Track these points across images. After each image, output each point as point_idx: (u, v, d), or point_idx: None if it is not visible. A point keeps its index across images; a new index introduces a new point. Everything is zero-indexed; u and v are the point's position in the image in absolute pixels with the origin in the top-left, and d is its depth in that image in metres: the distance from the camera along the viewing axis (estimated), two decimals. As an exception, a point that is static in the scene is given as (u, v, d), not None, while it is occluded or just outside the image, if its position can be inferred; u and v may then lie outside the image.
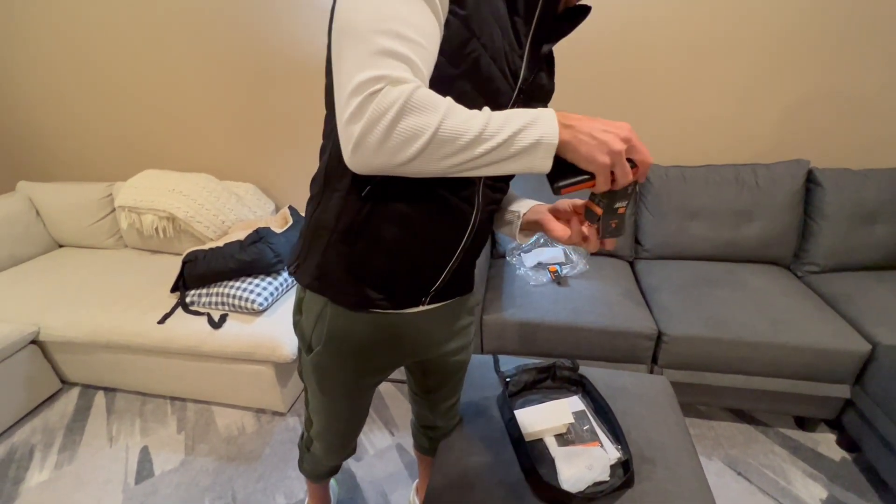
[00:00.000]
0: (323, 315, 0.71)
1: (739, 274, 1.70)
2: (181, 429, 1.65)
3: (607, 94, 1.84)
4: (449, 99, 0.47)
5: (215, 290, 1.65)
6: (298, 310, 0.76)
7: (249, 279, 1.65)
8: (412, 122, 0.44)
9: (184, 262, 1.71)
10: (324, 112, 0.64)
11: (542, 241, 1.84)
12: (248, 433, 1.61)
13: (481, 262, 1.59)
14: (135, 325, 1.63)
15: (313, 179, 0.68)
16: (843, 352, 1.36)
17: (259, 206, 2.16)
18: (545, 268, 1.72)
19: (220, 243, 1.76)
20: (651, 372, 1.54)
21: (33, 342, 1.73)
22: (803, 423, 1.57)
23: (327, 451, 0.98)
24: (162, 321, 1.63)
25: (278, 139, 2.12)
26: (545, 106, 0.67)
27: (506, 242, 1.90)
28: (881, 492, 1.33)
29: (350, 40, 0.45)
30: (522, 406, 1.07)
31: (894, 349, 1.31)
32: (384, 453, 1.52)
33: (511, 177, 0.71)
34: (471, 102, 0.49)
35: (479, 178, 0.64)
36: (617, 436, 0.98)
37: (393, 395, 1.77)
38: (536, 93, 0.65)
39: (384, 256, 0.65)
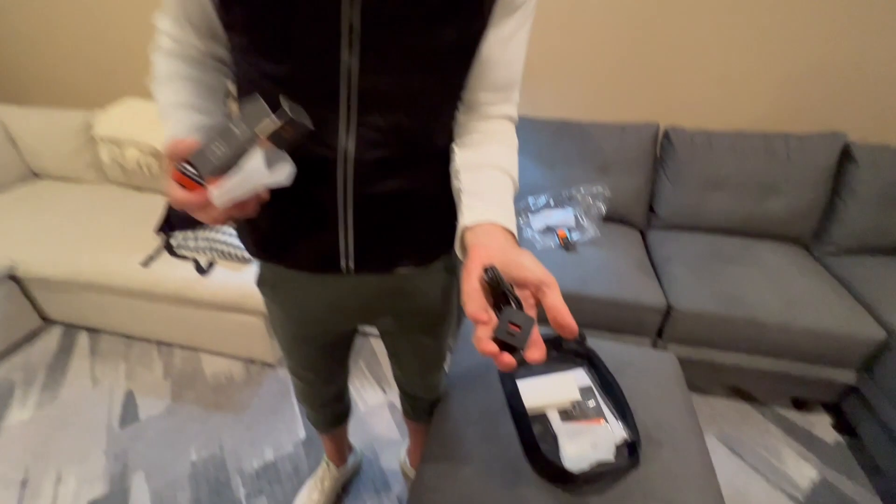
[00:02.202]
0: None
1: (756, 250, 1.62)
2: (168, 374, 1.60)
3: (632, 51, 1.67)
4: (165, 70, 0.57)
5: (203, 234, 1.55)
6: None
7: (239, 225, 1.54)
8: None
9: (170, 202, 1.59)
10: None
11: (551, 201, 1.73)
12: (237, 382, 1.57)
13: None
14: (117, 267, 1.54)
15: None
16: (856, 337, 1.32)
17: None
18: (553, 232, 1.63)
19: (208, 184, 1.63)
20: (654, 345, 1.50)
21: (11, 278, 1.64)
22: (800, 405, 1.55)
23: (299, 394, 0.98)
24: (146, 264, 1.53)
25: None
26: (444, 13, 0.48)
27: (514, 201, 1.79)
28: (873, 476, 1.32)
29: None
30: (525, 377, 1.02)
31: (911, 338, 1.27)
32: (375, 411, 1.49)
33: (416, 95, 0.53)
34: (272, 37, 0.47)
35: (346, 117, 0.51)
36: (624, 414, 0.93)
37: (385, 353, 1.72)
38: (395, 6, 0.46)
39: (266, 207, 0.54)
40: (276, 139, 0.44)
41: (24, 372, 1.60)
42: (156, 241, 1.63)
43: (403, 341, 0.85)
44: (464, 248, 0.51)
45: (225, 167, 0.44)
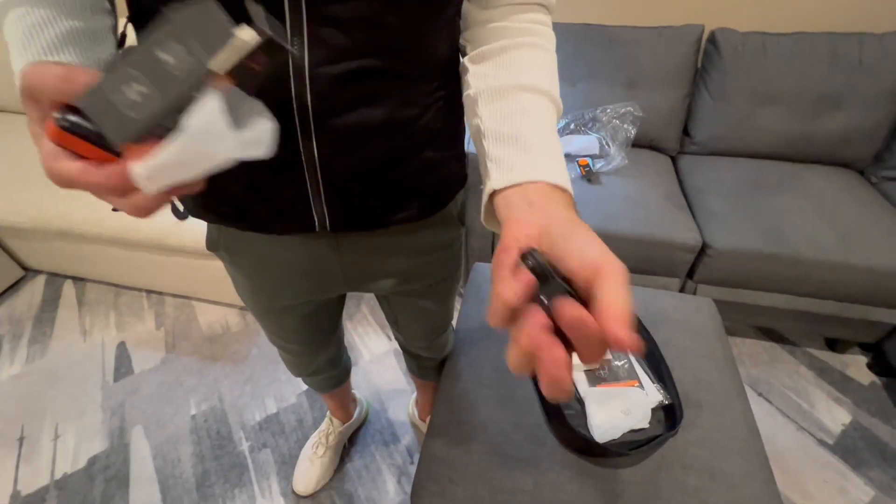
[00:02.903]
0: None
1: (804, 177, 1.42)
2: (160, 325, 1.52)
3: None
4: None
5: (176, 173, 1.37)
6: None
7: (215, 161, 1.35)
8: None
9: (133, 137, 1.39)
10: None
11: (571, 125, 1.51)
12: (233, 332, 1.49)
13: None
14: (85, 212, 1.38)
15: None
16: (916, 275, 1.17)
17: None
18: (574, 160, 1.43)
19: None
20: (683, 287, 1.36)
21: (-25, 226, 1.50)
22: (834, 345, 1.45)
23: (286, 365, 0.89)
24: (115, 209, 1.37)
25: None
26: None
27: (527, 127, 1.57)
28: (910, 419, 1.25)
29: None
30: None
31: (983, 276, 1.11)
32: (381, 359, 1.41)
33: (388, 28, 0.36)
34: None
35: (291, 7, 0.33)
36: (660, 374, 0.82)
37: (390, 297, 1.62)
38: None
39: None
40: (242, 75, 0.26)
41: (10, 324, 1.51)
42: (126, 181, 1.45)
43: (402, 307, 0.71)
44: (495, 219, 0.34)
45: (154, 126, 0.25)
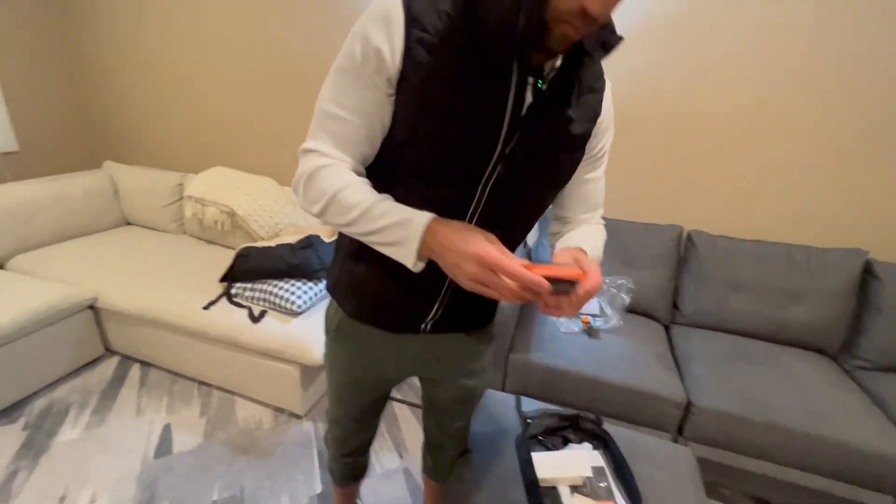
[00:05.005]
0: (339, 310, 0.83)
1: (781, 356, 1.63)
2: (204, 413, 1.71)
3: (659, 155, 1.87)
4: (347, 179, 0.60)
5: (260, 286, 1.74)
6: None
7: (293, 281, 1.73)
8: (313, 190, 0.62)
9: (237, 255, 1.82)
10: None
11: (577, 289, 1.84)
12: (265, 429, 1.66)
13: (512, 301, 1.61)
14: (181, 307, 1.74)
15: None
16: (890, 459, 1.28)
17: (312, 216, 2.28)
18: (578, 317, 1.72)
19: (272, 243, 1.87)
20: (675, 442, 1.48)
21: (90, 307, 1.87)
22: (837, 530, 1.45)
23: (331, 440, 1.05)
24: (207, 307, 1.73)
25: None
26: (572, 152, 0.66)
27: (541, 285, 1.91)
28: None
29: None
30: (540, 450, 1.06)
31: (948, 466, 1.22)
32: (391, 475, 1.52)
33: (530, 214, 0.72)
34: (434, 167, 0.60)
35: (471, 213, 0.63)
36: (634, 500, 0.95)
37: (408, 419, 1.77)
38: (539, 148, 0.60)
39: (378, 281, 0.73)
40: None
41: (81, 395, 1.75)
42: (219, 288, 1.84)
43: (443, 392, 0.94)
44: None
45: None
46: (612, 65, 1.81)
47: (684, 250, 1.87)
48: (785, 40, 1.61)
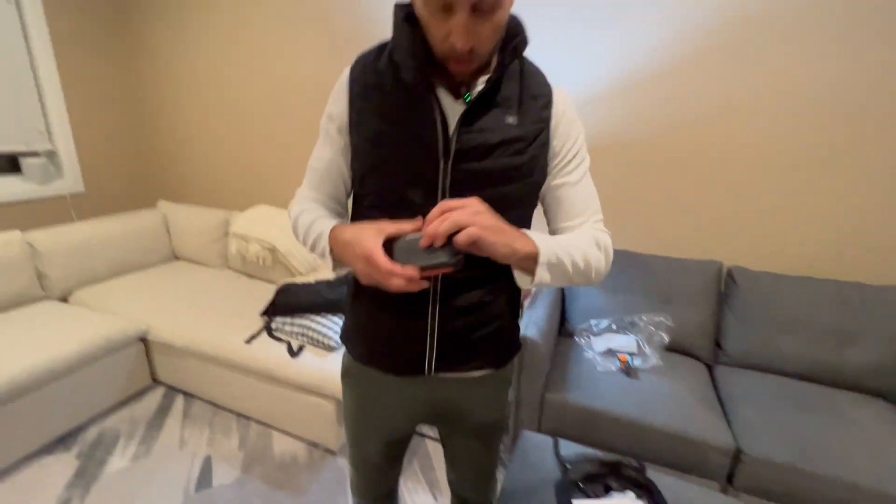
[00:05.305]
0: (347, 354, 0.88)
1: (837, 401, 1.53)
2: (242, 446, 1.75)
3: (694, 188, 1.85)
4: (305, 207, 0.79)
5: (299, 321, 1.80)
6: None
7: (331, 316, 1.78)
8: (295, 226, 0.80)
9: (278, 290, 1.90)
10: None
11: (613, 326, 1.81)
12: (300, 464, 1.67)
13: (547, 338, 1.60)
14: (225, 340, 1.81)
15: None
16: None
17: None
18: (615, 355, 1.68)
19: (311, 279, 1.94)
20: (724, 492, 1.40)
21: (141, 340, 1.98)
22: None
23: (353, 486, 1.04)
24: (249, 340, 1.79)
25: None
26: (516, 153, 0.69)
27: (575, 322, 1.89)
28: None
29: None
30: (580, 497, 1.03)
31: None
32: (425, 517, 1.49)
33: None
34: (393, 189, 0.70)
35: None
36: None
37: (441, 458, 1.74)
38: (478, 151, 0.67)
39: (374, 320, 0.78)
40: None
41: (129, 424, 1.83)
42: (260, 322, 1.91)
43: (459, 443, 0.94)
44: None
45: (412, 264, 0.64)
46: (643, 96, 1.84)
47: (724, 287, 1.82)
48: (823, 67, 1.59)
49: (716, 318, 1.79)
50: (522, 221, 0.73)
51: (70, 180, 2.51)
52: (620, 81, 1.81)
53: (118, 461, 1.64)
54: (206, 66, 2.57)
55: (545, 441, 1.22)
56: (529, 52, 0.72)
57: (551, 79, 0.75)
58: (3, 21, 2.18)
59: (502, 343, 0.83)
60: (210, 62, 2.55)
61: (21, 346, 1.68)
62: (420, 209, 0.65)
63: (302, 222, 0.78)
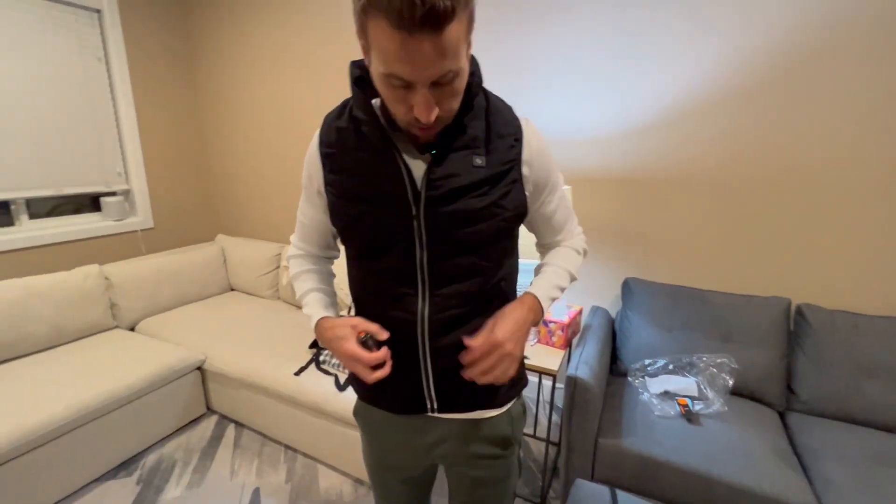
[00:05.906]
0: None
1: (940, 460, 1.35)
2: (289, 479, 1.76)
3: (758, 221, 1.75)
4: (299, 269, 0.88)
5: (346, 354, 1.82)
6: None
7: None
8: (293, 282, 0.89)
9: (326, 324, 1.94)
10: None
11: (670, 366, 1.71)
12: (345, 501, 1.66)
13: (599, 378, 1.53)
14: (275, 372, 1.86)
15: None
16: None
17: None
18: (673, 398, 1.58)
19: (358, 312, 1.97)
20: (809, 561, 1.25)
21: (198, 368, 2.07)
22: None
23: None
24: (298, 373, 1.83)
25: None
26: (486, 194, 0.70)
27: (628, 361, 1.80)
28: None
29: None
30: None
31: None
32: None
33: (479, 259, 0.73)
34: (371, 240, 0.73)
35: (421, 292, 0.72)
36: None
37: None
38: (448, 196, 0.68)
39: None
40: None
41: (185, 452, 1.90)
42: (308, 354, 1.95)
43: (463, 488, 0.90)
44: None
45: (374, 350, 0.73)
46: (704, 127, 1.79)
47: (795, 326, 1.68)
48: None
49: (786, 360, 1.65)
50: (506, 253, 0.78)
51: (142, 216, 2.73)
52: (674, 113, 1.78)
53: (173, 489, 1.70)
54: (262, 111, 2.77)
55: (602, 491, 1.15)
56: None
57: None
58: (95, 77, 2.46)
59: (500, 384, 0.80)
60: (260, 112, 2.75)
61: (94, 373, 1.80)
62: (397, 259, 0.72)
63: (297, 288, 0.87)
